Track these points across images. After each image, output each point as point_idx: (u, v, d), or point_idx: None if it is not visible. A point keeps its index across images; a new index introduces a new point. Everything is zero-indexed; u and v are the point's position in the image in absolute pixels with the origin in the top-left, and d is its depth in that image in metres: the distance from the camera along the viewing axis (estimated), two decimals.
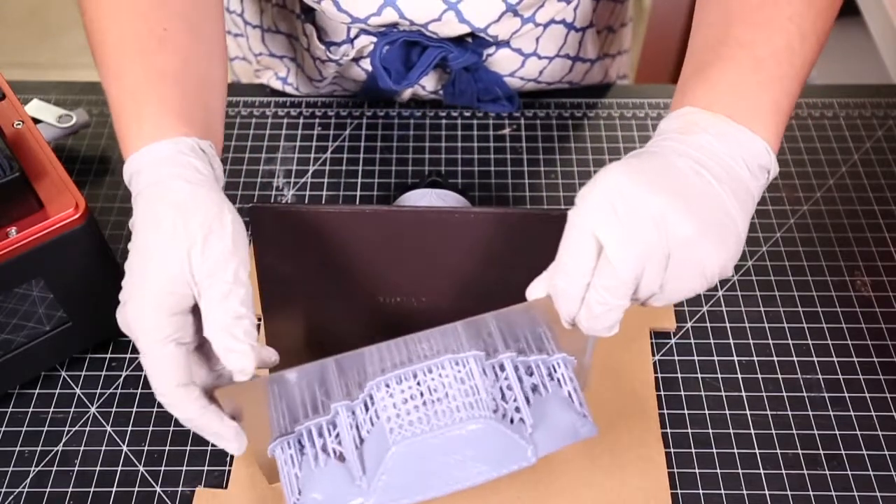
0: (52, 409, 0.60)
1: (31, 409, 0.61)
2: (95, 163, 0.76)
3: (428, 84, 0.78)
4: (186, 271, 0.45)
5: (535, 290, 0.47)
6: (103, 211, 0.72)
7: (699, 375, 0.62)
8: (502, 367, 0.50)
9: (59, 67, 2.03)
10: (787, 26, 0.49)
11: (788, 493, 0.56)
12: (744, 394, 0.61)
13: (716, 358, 0.63)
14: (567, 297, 0.45)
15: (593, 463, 0.57)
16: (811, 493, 0.56)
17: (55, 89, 0.81)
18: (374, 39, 0.72)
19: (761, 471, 0.57)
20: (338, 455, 0.49)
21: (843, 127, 0.78)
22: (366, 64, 0.75)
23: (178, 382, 0.45)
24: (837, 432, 0.59)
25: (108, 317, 0.49)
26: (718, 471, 0.57)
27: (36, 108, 0.72)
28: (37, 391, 0.61)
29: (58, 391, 0.61)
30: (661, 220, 0.43)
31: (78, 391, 0.61)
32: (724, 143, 0.46)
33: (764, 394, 0.61)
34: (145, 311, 0.45)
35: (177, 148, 0.48)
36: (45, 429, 0.60)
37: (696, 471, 0.57)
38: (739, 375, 0.62)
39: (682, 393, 0.61)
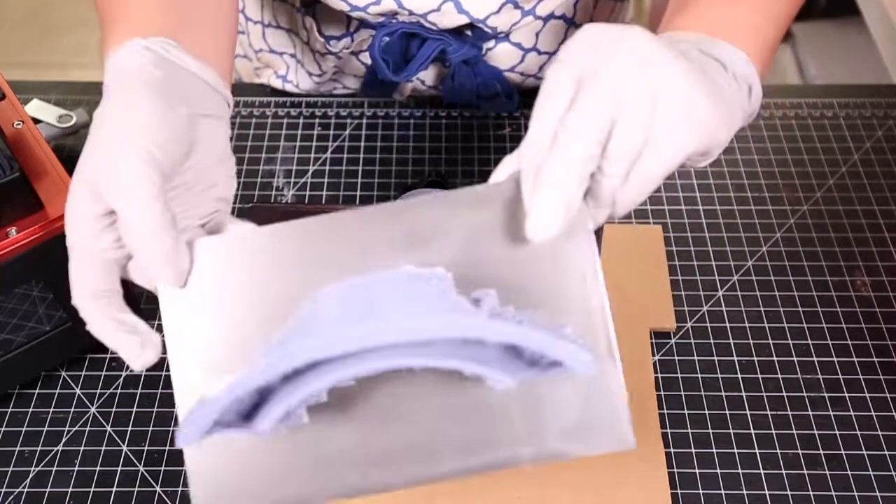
0: (52, 409, 0.60)
1: (31, 409, 0.61)
2: None
3: (427, 78, 0.78)
4: (101, 179, 0.42)
5: (504, 167, 0.42)
6: None
7: (699, 375, 0.62)
8: (477, 302, 0.41)
9: (59, 67, 2.03)
10: None
11: (788, 493, 0.56)
12: (744, 394, 0.61)
13: (716, 358, 0.63)
14: (537, 139, 0.39)
15: (593, 463, 0.57)
16: (811, 493, 0.56)
17: (55, 89, 0.81)
18: (374, 33, 0.72)
19: (761, 471, 0.57)
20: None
21: (843, 127, 0.78)
22: (365, 58, 0.76)
23: (82, 293, 0.43)
24: (837, 432, 0.59)
25: None
26: (718, 471, 0.57)
27: (36, 108, 0.73)
28: (37, 391, 0.61)
29: (58, 391, 0.61)
30: (646, 53, 0.40)
31: (78, 391, 0.61)
32: (701, 48, 0.45)
33: (764, 394, 0.61)
34: (66, 216, 0.43)
35: (122, 54, 0.46)
36: (45, 429, 0.60)
37: (696, 471, 0.57)
38: (739, 375, 0.62)
39: (682, 393, 0.61)
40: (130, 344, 0.43)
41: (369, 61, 0.75)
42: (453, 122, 0.79)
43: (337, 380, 0.40)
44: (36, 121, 0.69)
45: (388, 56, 0.72)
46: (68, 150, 0.76)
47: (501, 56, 0.75)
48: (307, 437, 0.43)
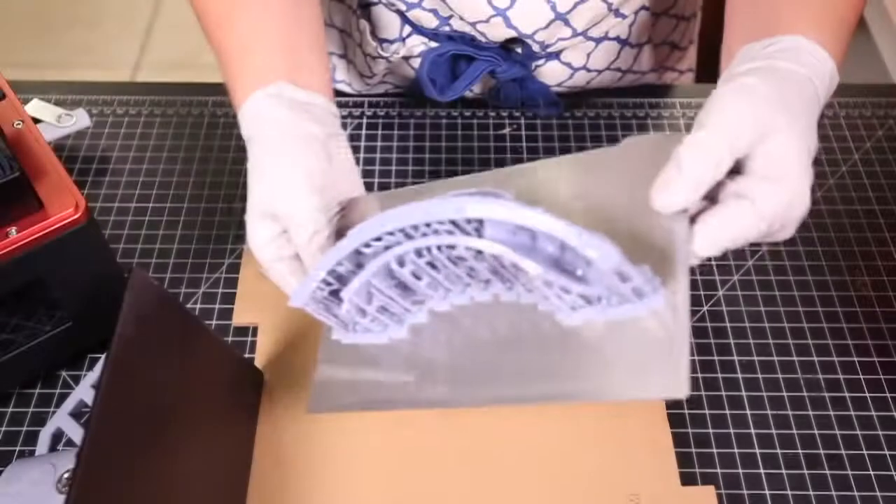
0: (52, 409, 0.60)
1: (31, 409, 0.60)
2: (95, 163, 0.76)
3: (475, 88, 0.78)
4: (269, 208, 0.52)
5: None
6: (103, 211, 0.72)
7: (699, 375, 0.62)
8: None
9: (59, 67, 2.03)
10: None
11: (788, 492, 0.56)
12: (744, 394, 0.61)
13: (716, 358, 0.63)
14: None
15: (599, 456, 0.57)
16: (811, 493, 0.56)
17: (55, 89, 0.81)
18: (426, 40, 0.72)
19: (761, 471, 0.57)
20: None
21: (843, 127, 0.78)
22: (416, 63, 0.76)
23: (290, 284, 0.53)
24: (838, 432, 0.59)
25: (108, 317, 0.48)
26: (719, 471, 0.57)
27: (36, 108, 0.72)
28: (37, 391, 0.61)
29: (58, 391, 0.61)
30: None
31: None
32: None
33: (764, 394, 0.61)
34: (253, 244, 0.53)
35: (252, 105, 0.55)
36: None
37: (697, 471, 0.57)
38: (739, 375, 0.62)
39: None
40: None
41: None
42: (453, 122, 0.79)
43: (405, 250, 0.46)
44: (36, 121, 0.69)
45: (435, 75, 0.73)
46: (68, 150, 0.77)
47: (550, 73, 0.75)
48: (407, 352, 0.52)
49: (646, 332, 0.43)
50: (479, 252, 0.45)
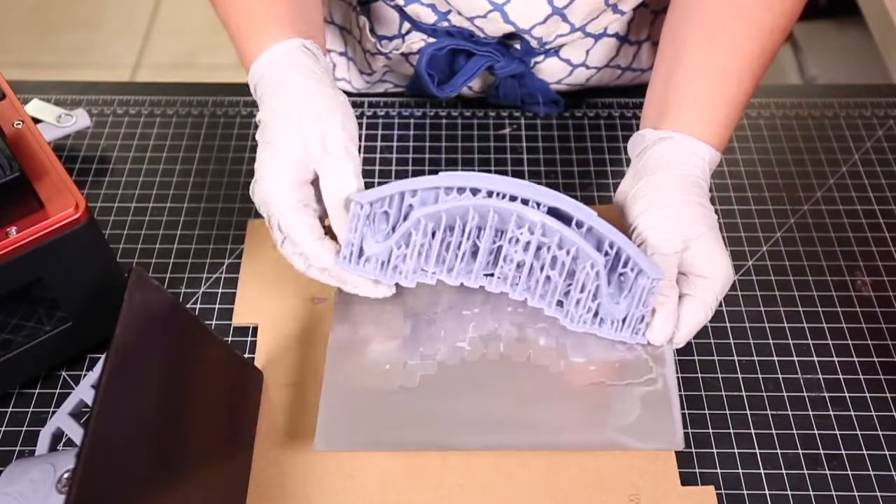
0: (52, 409, 0.60)
1: (31, 409, 0.61)
2: (95, 163, 0.76)
3: (474, 85, 0.78)
4: (304, 154, 0.54)
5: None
6: (103, 211, 0.72)
7: (699, 375, 0.62)
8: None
9: (59, 67, 2.03)
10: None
11: (788, 493, 0.56)
12: (744, 394, 0.61)
13: (716, 358, 0.63)
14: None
15: (600, 450, 0.57)
16: (811, 493, 0.56)
17: (55, 89, 0.81)
18: (425, 36, 0.72)
19: (761, 471, 0.57)
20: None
21: (843, 127, 0.78)
22: (415, 60, 0.76)
23: (315, 237, 0.54)
24: (838, 432, 0.59)
25: (108, 317, 0.49)
26: (719, 471, 0.57)
27: (36, 108, 0.72)
28: (37, 391, 0.61)
29: (58, 391, 0.61)
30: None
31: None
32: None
33: (764, 394, 0.61)
34: (274, 186, 0.54)
35: (287, 48, 0.57)
36: None
37: (697, 471, 0.57)
38: (739, 375, 0.62)
39: (683, 393, 0.61)
40: (367, 282, 0.56)
41: None
42: (453, 122, 0.79)
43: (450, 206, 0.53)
44: (36, 121, 0.69)
45: (434, 71, 0.73)
46: (68, 150, 0.77)
47: (549, 70, 0.75)
48: (430, 397, 0.55)
49: (647, 397, 0.54)
50: (527, 245, 0.54)
